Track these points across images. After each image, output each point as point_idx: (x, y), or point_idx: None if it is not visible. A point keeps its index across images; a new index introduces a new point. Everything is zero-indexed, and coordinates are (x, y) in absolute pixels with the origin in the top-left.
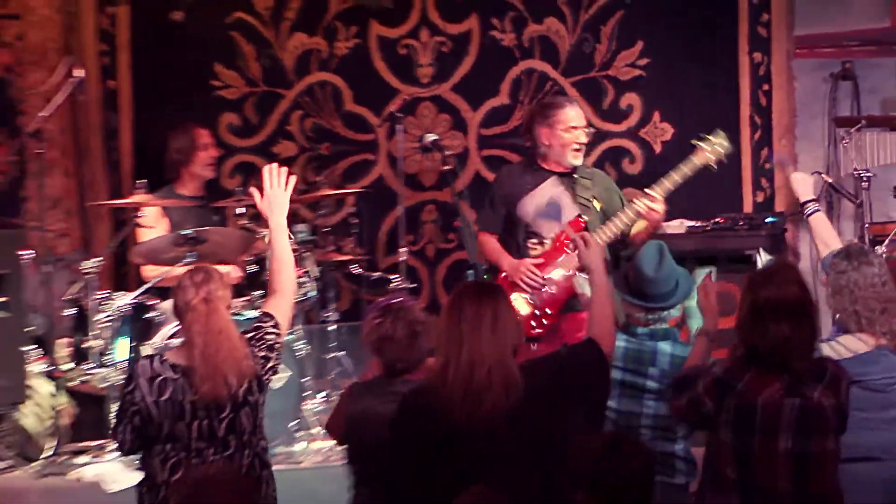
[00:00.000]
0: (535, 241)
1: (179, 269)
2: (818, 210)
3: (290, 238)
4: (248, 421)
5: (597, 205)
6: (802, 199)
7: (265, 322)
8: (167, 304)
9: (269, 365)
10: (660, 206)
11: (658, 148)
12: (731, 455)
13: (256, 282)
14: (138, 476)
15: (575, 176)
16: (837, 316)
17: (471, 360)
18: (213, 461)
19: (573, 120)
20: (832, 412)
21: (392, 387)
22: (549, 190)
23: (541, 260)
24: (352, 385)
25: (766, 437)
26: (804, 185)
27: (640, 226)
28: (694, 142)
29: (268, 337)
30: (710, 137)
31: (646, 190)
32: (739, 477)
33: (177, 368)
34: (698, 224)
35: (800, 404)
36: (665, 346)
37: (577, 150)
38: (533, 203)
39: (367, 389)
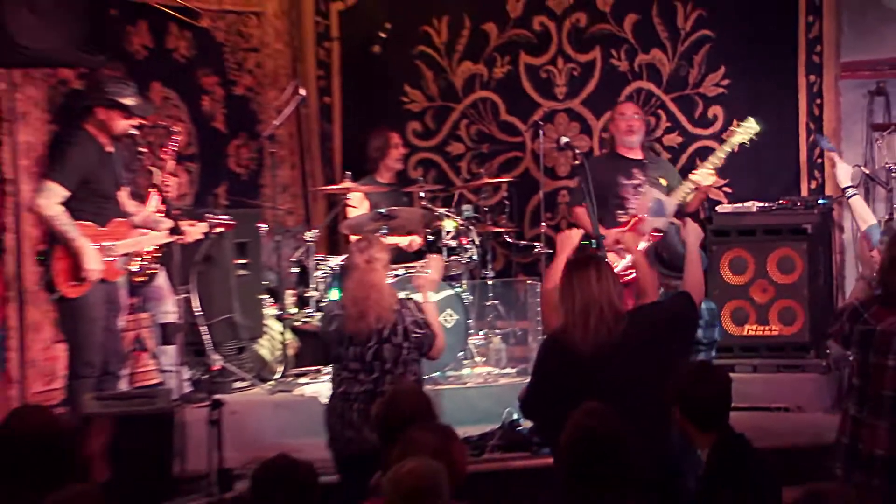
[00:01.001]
0: (621, 211)
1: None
2: (856, 194)
3: (459, 215)
4: (390, 355)
5: (663, 182)
6: (843, 185)
7: None
8: None
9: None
10: (711, 178)
11: (735, 147)
12: (856, 368)
13: (433, 247)
14: None
15: (645, 162)
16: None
17: (585, 305)
18: (363, 381)
19: (624, 111)
20: None
21: None
22: (650, 192)
23: (625, 228)
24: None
25: (878, 356)
26: (845, 174)
27: (693, 195)
28: (732, 127)
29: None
30: (744, 123)
31: (699, 165)
32: (860, 385)
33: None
34: (766, 205)
35: None
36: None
37: (627, 133)
38: (642, 200)
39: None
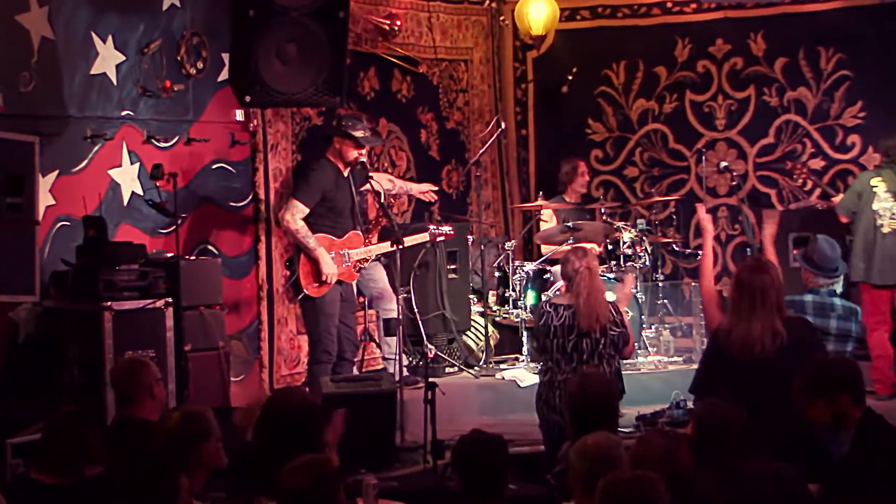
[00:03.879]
0: None
1: (564, 248)
2: None
3: (634, 228)
4: (587, 348)
5: None
6: None
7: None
8: (557, 269)
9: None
10: None
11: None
12: None
13: (612, 255)
14: (537, 378)
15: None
16: None
17: (751, 307)
18: (565, 370)
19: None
20: None
21: None
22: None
23: None
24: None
25: None
26: None
27: None
28: None
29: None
30: None
31: None
32: None
33: (557, 307)
34: None
35: None
36: (837, 300)
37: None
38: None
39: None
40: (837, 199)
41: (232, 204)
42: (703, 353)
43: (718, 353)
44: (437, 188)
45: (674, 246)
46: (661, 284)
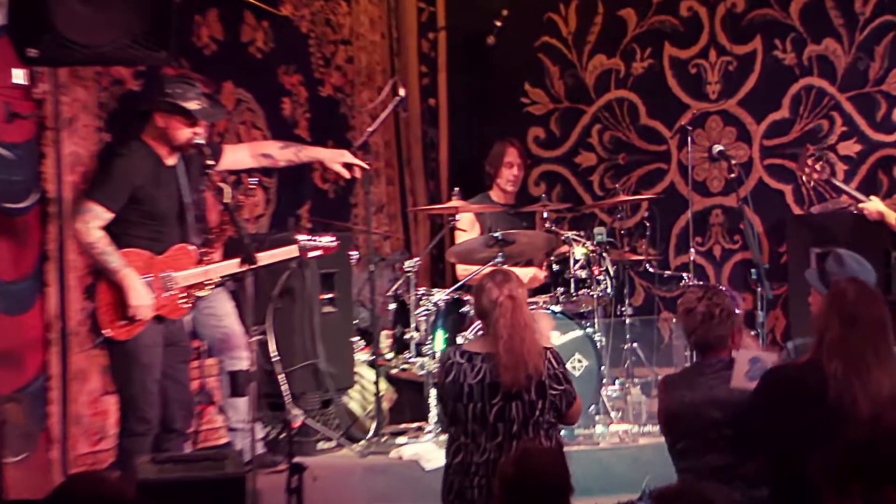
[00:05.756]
0: None
1: (490, 269)
2: None
3: (590, 240)
4: (518, 414)
5: None
6: None
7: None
8: None
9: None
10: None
11: None
12: None
13: (559, 279)
14: None
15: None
16: None
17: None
18: (485, 447)
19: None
20: None
21: (703, 372)
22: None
23: None
24: (665, 378)
25: None
26: None
27: None
28: None
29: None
30: None
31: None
32: None
33: (472, 356)
34: None
35: None
36: None
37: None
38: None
39: (679, 380)
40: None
41: (7, 205)
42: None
43: (792, 392)
44: (368, 166)
45: (647, 266)
46: (628, 321)
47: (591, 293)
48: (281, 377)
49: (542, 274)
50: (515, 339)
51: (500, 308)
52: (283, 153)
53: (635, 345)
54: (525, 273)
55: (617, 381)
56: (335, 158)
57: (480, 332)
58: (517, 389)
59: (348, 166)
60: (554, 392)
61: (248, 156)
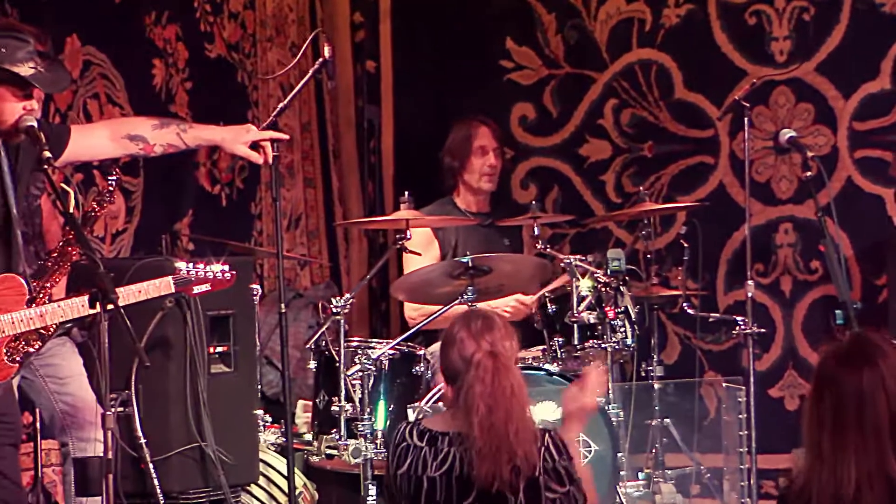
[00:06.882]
0: None
1: (457, 310)
2: None
3: (601, 268)
4: None
5: None
6: None
7: None
8: (437, 351)
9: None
10: None
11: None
12: None
13: (557, 326)
14: None
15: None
16: None
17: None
18: None
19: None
20: None
21: None
22: None
23: None
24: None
25: None
26: None
27: None
28: None
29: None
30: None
31: None
32: None
33: (434, 437)
34: None
35: None
36: None
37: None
38: None
39: None
40: None
41: None
42: None
43: None
44: (287, 137)
45: (684, 306)
46: (657, 386)
47: (602, 345)
48: (150, 467)
49: (529, 299)
50: (497, 413)
51: (476, 369)
52: (159, 135)
53: (667, 421)
54: (503, 305)
55: (641, 475)
56: (238, 138)
57: (445, 405)
58: (498, 487)
59: (258, 147)
60: (552, 496)
61: (108, 139)
